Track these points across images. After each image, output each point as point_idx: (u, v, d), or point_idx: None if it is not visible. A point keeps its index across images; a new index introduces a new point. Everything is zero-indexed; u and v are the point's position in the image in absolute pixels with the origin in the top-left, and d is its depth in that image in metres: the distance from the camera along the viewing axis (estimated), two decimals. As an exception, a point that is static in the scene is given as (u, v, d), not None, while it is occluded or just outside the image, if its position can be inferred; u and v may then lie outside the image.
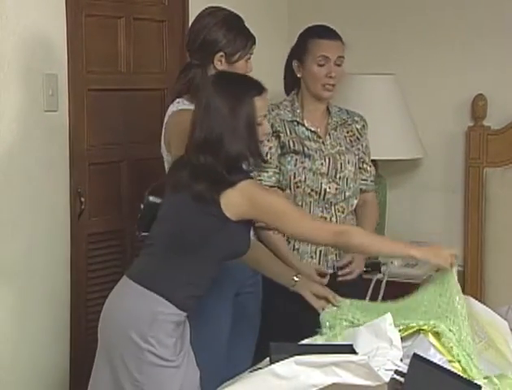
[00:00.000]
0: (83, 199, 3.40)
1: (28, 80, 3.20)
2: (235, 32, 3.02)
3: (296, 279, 2.93)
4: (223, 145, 2.59)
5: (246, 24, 3.08)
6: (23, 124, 3.19)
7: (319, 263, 3.29)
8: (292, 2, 4.47)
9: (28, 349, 3.24)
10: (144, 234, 2.90)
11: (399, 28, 4.25)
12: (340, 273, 3.25)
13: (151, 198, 2.90)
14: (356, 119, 3.44)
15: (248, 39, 3.04)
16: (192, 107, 2.98)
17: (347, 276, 3.25)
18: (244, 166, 2.69)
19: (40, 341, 3.28)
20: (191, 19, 3.75)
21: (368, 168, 3.45)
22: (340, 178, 3.31)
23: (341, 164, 3.32)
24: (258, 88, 2.67)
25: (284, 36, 4.25)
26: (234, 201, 2.59)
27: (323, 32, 3.31)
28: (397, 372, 2.39)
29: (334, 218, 3.30)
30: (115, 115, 3.57)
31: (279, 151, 3.29)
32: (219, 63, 3.00)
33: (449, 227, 4.22)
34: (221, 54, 3.00)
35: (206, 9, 3.10)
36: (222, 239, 2.62)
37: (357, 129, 3.42)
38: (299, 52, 3.33)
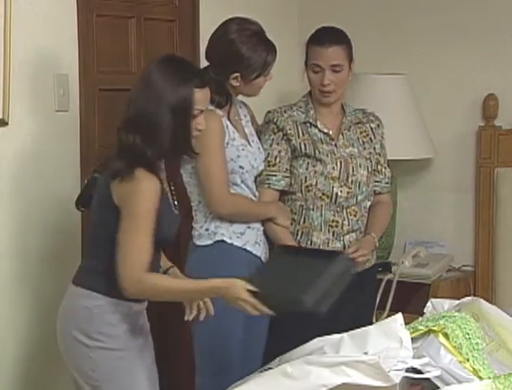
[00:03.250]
0: (94, 199, 3.41)
1: (39, 81, 3.21)
2: (257, 54, 3.04)
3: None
4: (153, 125, 2.54)
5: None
6: (34, 124, 3.20)
7: None
8: (303, 3, 4.46)
9: (43, 349, 3.25)
10: (82, 209, 2.92)
11: (410, 28, 4.24)
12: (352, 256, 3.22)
13: (96, 174, 2.82)
14: (371, 118, 3.43)
15: (267, 59, 3.06)
16: (212, 107, 3.01)
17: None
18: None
19: (54, 340, 3.28)
20: (201, 19, 3.78)
21: (383, 170, 3.42)
22: (352, 182, 3.29)
23: (353, 168, 3.30)
24: (201, 81, 2.63)
25: (294, 36, 4.25)
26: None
27: (320, 38, 3.27)
28: (408, 370, 2.40)
29: (346, 221, 3.29)
30: (126, 115, 3.57)
31: (289, 154, 3.27)
32: (235, 81, 3.05)
33: (460, 227, 4.21)
34: (237, 74, 3.03)
35: (233, 22, 3.10)
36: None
37: (371, 128, 3.40)
38: (305, 56, 3.33)
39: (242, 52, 3.04)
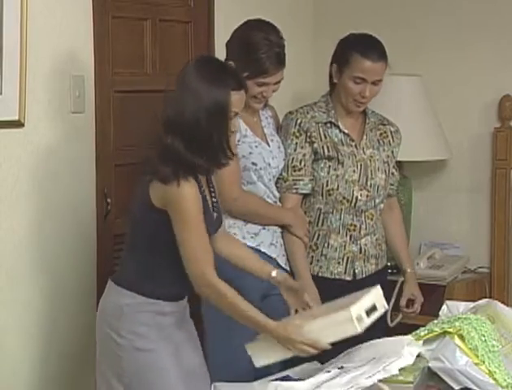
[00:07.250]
0: (109, 200, 3.42)
1: (55, 82, 3.22)
2: (252, 52, 3.00)
3: (273, 275, 2.80)
4: (190, 127, 2.53)
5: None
6: (50, 125, 3.21)
7: (345, 270, 3.28)
8: (318, 4, 4.46)
9: (57, 349, 3.26)
10: None
11: (425, 28, 4.24)
12: (405, 311, 3.41)
13: None
14: (391, 122, 3.42)
15: (263, 64, 3.00)
16: None
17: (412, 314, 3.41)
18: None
19: (68, 340, 3.30)
20: (216, 21, 3.80)
21: (394, 172, 3.43)
22: (371, 185, 3.28)
23: (371, 171, 3.29)
24: (238, 83, 2.60)
25: (308, 37, 4.25)
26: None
27: (369, 51, 3.19)
28: (422, 370, 2.40)
29: (364, 225, 3.29)
30: (141, 117, 3.58)
31: (312, 157, 3.25)
32: None
33: (476, 228, 4.20)
34: (231, 62, 2.98)
35: (270, 25, 3.08)
36: (166, 230, 2.55)
37: (391, 132, 3.39)
38: (340, 59, 3.24)
39: (243, 41, 3.02)
